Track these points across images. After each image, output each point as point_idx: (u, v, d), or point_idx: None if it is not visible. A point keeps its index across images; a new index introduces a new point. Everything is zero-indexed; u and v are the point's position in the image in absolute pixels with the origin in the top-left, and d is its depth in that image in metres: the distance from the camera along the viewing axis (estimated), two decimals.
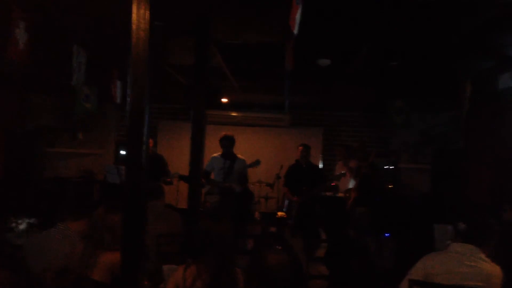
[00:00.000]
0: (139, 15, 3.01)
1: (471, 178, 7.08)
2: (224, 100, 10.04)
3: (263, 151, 10.02)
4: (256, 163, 7.69)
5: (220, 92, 8.88)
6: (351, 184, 8.16)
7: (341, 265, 5.36)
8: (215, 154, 7.65)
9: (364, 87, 8.15)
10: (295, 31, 2.97)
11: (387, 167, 10.15)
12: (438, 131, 9.40)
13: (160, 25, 3.29)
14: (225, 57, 6.39)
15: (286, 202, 8.19)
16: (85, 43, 5.38)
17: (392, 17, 4.63)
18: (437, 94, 8.11)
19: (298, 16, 3.02)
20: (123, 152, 10.14)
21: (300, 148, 8.42)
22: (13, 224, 5.12)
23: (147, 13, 3.02)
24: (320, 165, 10.44)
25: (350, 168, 8.25)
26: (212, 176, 7.66)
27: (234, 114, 10.59)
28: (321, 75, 7.19)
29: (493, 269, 3.27)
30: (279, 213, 7.24)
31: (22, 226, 5.13)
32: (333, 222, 7.17)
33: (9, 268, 2.27)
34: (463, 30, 4.89)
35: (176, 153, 9.59)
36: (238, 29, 5.26)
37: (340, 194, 8.22)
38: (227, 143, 7.58)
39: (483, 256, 3.29)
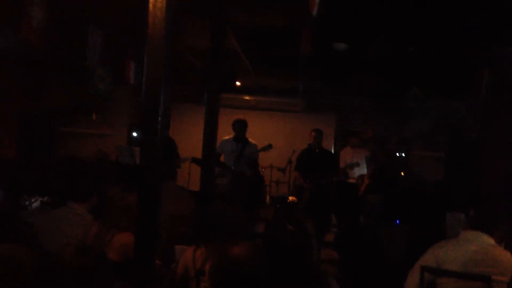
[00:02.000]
0: None
1: (486, 167, 7.01)
2: (238, 83, 10.01)
3: (275, 136, 9.99)
4: (268, 147, 7.67)
5: (234, 75, 8.84)
6: (359, 170, 8.12)
7: (351, 251, 5.36)
8: (226, 137, 7.64)
9: (380, 73, 8.08)
10: (314, 12, 2.93)
11: (399, 154, 10.09)
12: (454, 119, 9.31)
13: (176, 6, 3.25)
14: (240, 40, 6.34)
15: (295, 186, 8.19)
16: (100, 23, 5.37)
17: (410, 1, 4.56)
18: (454, 82, 8.01)
19: None
20: (135, 134, 10.16)
21: (313, 133, 8.38)
22: (26, 203, 5.16)
23: None
24: (333, 151, 10.40)
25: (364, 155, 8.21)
26: (222, 159, 7.66)
27: (247, 98, 10.56)
28: (336, 60, 7.12)
29: (504, 255, 3.26)
30: (290, 198, 7.24)
31: (35, 204, 5.17)
32: (345, 208, 7.17)
33: (23, 244, 2.29)
34: (482, 15, 4.81)
35: (189, 136, 9.59)
36: (255, 11, 5.21)
37: (352, 180, 8.19)
38: (240, 127, 7.57)
39: (493, 242, 3.28)
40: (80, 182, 3.72)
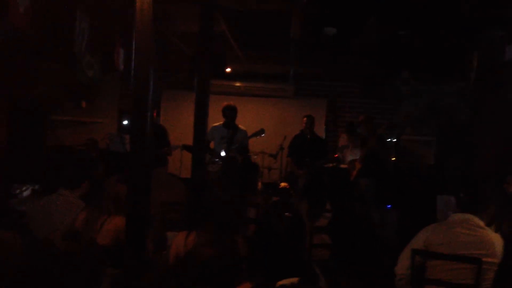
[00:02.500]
0: None
1: (477, 150, 7.05)
2: (228, 70, 9.96)
3: (266, 122, 9.95)
4: (261, 132, 7.66)
5: (224, 61, 8.79)
6: (353, 155, 8.15)
7: (344, 235, 5.39)
8: (215, 124, 7.62)
9: (370, 57, 8.07)
10: None
11: (390, 139, 10.12)
12: (444, 102, 9.33)
13: None
14: (230, 24, 6.30)
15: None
16: (88, 9, 5.30)
17: None
18: (444, 65, 8.02)
19: None
20: (125, 121, 10.11)
21: (305, 119, 8.39)
22: (17, 191, 5.14)
23: None
24: (323, 136, 10.41)
25: (353, 141, 8.24)
26: (212, 146, 7.65)
27: (237, 84, 10.51)
28: (326, 45, 7.10)
29: (493, 237, 3.28)
30: (282, 184, 7.25)
31: (25, 193, 5.15)
32: (337, 193, 7.19)
33: (15, 231, 2.28)
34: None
35: (180, 123, 9.56)
36: None
37: (343, 166, 8.22)
38: (230, 113, 7.54)
39: (482, 224, 3.30)
40: (70, 170, 3.72)
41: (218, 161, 7.42)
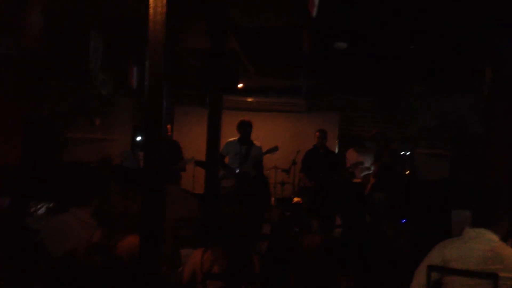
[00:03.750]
0: None
1: (491, 164, 6.99)
2: (240, 85, 10.00)
3: (279, 137, 9.97)
4: (274, 149, 7.66)
5: (236, 77, 8.83)
6: (365, 169, 8.13)
7: (356, 249, 5.34)
8: (231, 139, 7.64)
9: (382, 71, 8.06)
10: (314, 14, 2.92)
11: (403, 153, 10.07)
12: (457, 116, 9.27)
13: (176, 9, 3.25)
14: (241, 41, 6.34)
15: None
16: (101, 28, 5.37)
17: None
18: (456, 78, 7.99)
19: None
20: (139, 138, 10.17)
21: (317, 133, 8.38)
22: (33, 209, 5.18)
23: None
24: (336, 150, 10.38)
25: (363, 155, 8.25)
26: (227, 161, 7.66)
27: (250, 99, 10.55)
28: (338, 59, 7.12)
29: (509, 251, 3.23)
30: (295, 199, 7.23)
31: (41, 211, 5.18)
32: (350, 207, 7.14)
33: (29, 250, 2.29)
34: (483, 12, 4.79)
35: (193, 139, 9.59)
36: (254, 12, 5.20)
37: (357, 180, 8.19)
38: (245, 128, 7.56)
39: (496, 238, 3.26)
40: (78, 187, 3.75)
41: (232, 177, 7.42)
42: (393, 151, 7.84)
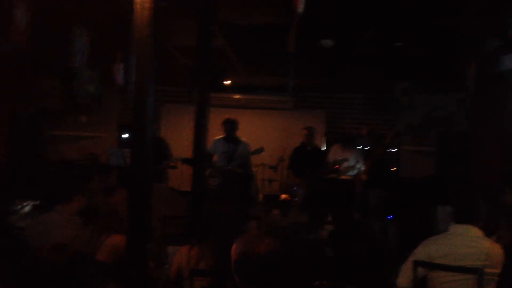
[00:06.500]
0: None
1: (476, 160, 7.05)
2: (227, 82, 9.99)
3: (266, 134, 9.98)
4: (260, 150, 7.66)
5: (224, 74, 8.82)
6: (349, 167, 8.15)
7: (346, 247, 5.37)
8: (217, 137, 7.63)
9: (369, 69, 8.09)
10: (300, 10, 2.93)
11: (389, 150, 10.13)
12: (443, 113, 9.35)
13: (163, 5, 3.24)
14: (229, 38, 6.33)
15: (296, 188, 8.16)
16: (87, 24, 5.33)
17: None
18: (442, 76, 8.05)
19: None
20: (125, 135, 10.12)
21: (305, 130, 8.40)
22: (18, 207, 5.14)
23: None
24: (323, 148, 10.41)
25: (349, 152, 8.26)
26: (215, 159, 7.64)
27: (237, 96, 10.53)
28: (325, 56, 7.13)
29: (493, 247, 3.28)
30: (283, 196, 7.25)
31: (26, 209, 5.15)
32: (338, 204, 7.18)
33: (12, 249, 2.28)
34: (468, 10, 4.83)
35: (180, 136, 9.55)
36: (242, 9, 5.20)
37: (345, 177, 8.20)
38: (230, 126, 7.56)
39: (481, 234, 3.30)
40: (62, 183, 3.74)
41: (219, 175, 7.42)
42: (384, 147, 7.88)
